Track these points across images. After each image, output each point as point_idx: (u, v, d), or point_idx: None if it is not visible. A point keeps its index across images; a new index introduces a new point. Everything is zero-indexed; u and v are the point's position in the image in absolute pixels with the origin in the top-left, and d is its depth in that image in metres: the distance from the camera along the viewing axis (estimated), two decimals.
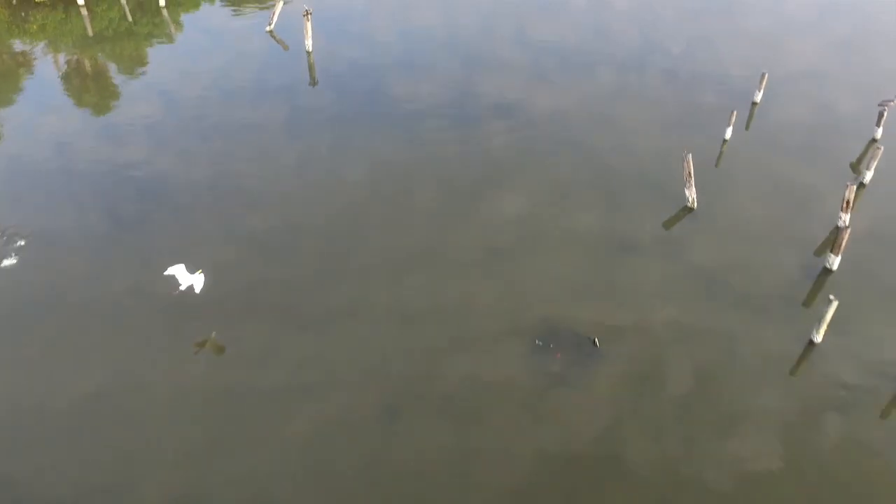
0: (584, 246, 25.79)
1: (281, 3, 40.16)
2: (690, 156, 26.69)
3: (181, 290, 21.82)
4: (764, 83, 33.83)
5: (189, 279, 21.56)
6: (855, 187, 25.84)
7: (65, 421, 19.99)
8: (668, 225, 27.13)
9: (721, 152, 31.47)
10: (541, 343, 21.47)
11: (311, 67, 37.57)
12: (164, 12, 43.49)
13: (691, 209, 27.43)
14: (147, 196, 28.36)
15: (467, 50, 40.38)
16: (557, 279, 24.20)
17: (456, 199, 28.06)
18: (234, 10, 44.79)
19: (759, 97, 34.28)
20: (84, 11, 43.10)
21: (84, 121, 34.15)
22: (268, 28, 40.51)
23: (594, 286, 24.10)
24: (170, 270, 21.74)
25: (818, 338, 21.71)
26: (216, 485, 18.66)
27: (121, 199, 28.22)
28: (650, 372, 21.26)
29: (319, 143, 31.88)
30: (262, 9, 43.95)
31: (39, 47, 40.60)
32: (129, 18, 43.18)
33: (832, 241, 24.90)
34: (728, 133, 31.62)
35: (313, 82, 36.72)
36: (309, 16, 36.56)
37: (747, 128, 33.51)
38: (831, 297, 20.77)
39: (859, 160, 31.32)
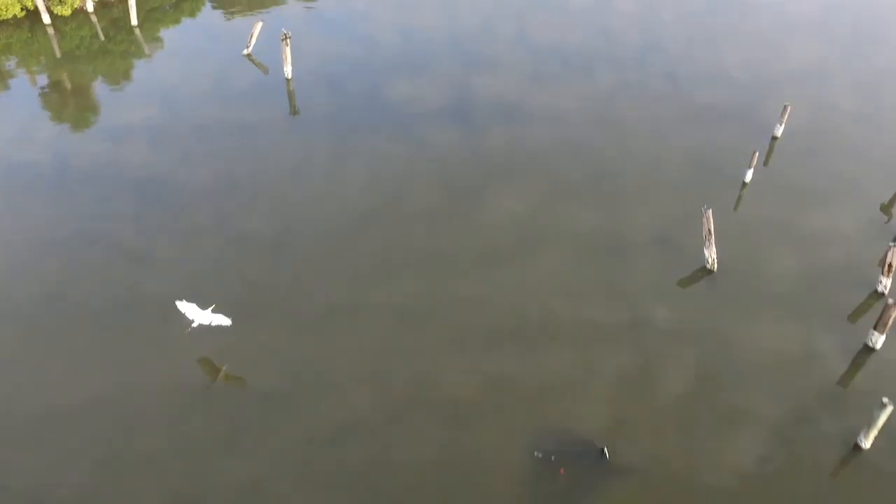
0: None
1: (259, 25, 37.08)
2: (710, 212, 23.54)
3: (194, 327, 21.10)
4: (786, 116, 30.74)
5: (203, 317, 20.80)
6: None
7: (60, 424, 19.78)
8: (683, 284, 24.08)
9: (740, 196, 28.32)
10: (540, 455, 18.39)
11: (290, 95, 34.51)
12: (137, 31, 40.40)
13: (711, 271, 24.34)
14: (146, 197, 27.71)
15: (467, 52, 38.26)
16: (555, 278, 24.05)
17: (456, 203, 27.76)
18: (218, 25, 41.82)
19: (779, 131, 31.17)
20: (51, 31, 40.04)
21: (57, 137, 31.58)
22: (245, 51, 37.43)
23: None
24: (181, 306, 21.12)
25: (866, 444, 18.58)
26: (215, 485, 18.25)
27: (108, 211, 27.23)
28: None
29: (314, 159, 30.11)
30: (249, 15, 40.90)
31: (10, 64, 37.71)
32: (102, 37, 40.15)
33: (873, 312, 21.85)
34: (748, 175, 28.47)
35: (294, 111, 33.72)
36: (287, 40, 33.48)
37: (766, 164, 30.44)
38: (885, 399, 17.58)
39: (891, 203, 28.22)
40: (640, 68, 37.14)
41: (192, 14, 42.98)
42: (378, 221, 26.56)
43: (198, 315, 20.70)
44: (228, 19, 42.28)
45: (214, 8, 43.72)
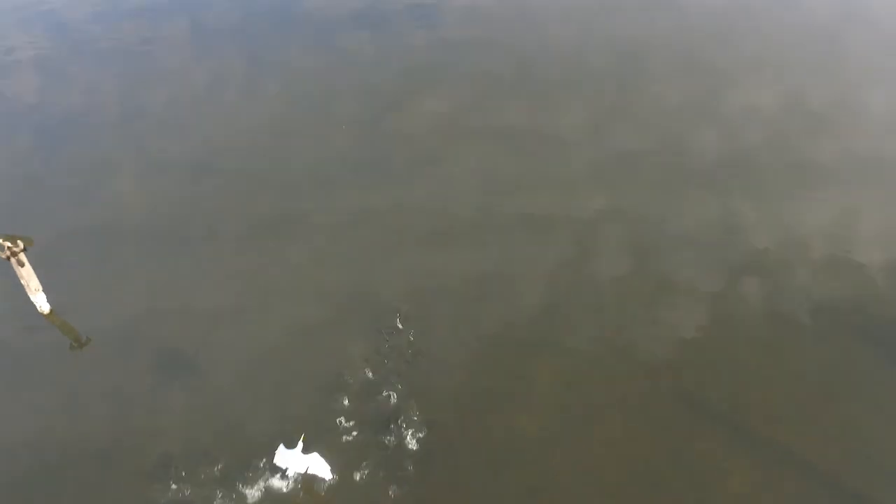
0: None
1: None
2: None
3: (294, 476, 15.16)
4: None
5: (301, 461, 14.75)
6: None
7: None
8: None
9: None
10: None
11: (64, 329, 19.10)
12: None
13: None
14: None
15: None
16: (485, 175, 23.57)
17: (380, 109, 26.68)
18: None
19: None
20: None
21: None
22: None
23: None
24: (277, 459, 14.90)
25: None
26: None
27: None
28: None
29: None
30: None
31: None
32: None
33: None
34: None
35: (77, 343, 18.69)
36: (17, 257, 17.56)
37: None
38: None
39: None
40: None
41: None
42: (301, 135, 25.47)
43: (293, 460, 14.86)
44: None
45: None
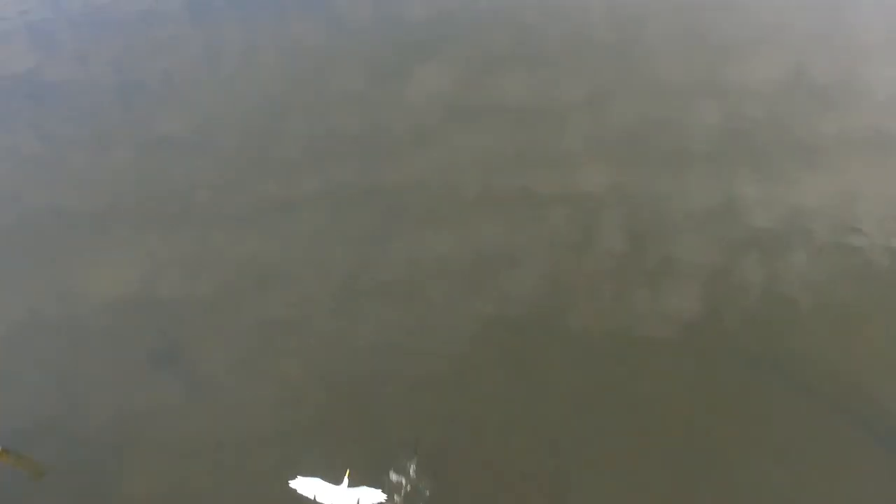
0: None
1: None
2: None
3: None
4: None
5: (347, 496, 13.55)
6: None
7: None
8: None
9: None
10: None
11: (20, 462, 16.27)
12: None
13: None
14: None
15: None
16: (491, 151, 23.01)
17: (380, 83, 25.98)
18: None
19: None
20: None
21: None
22: None
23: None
24: (301, 487, 13.83)
25: None
26: None
27: None
28: None
29: None
30: None
31: None
32: None
33: None
34: None
35: (36, 474, 15.99)
36: None
37: None
38: None
39: None
40: None
41: None
42: (300, 108, 24.82)
43: (332, 496, 13.47)
44: None
45: None
